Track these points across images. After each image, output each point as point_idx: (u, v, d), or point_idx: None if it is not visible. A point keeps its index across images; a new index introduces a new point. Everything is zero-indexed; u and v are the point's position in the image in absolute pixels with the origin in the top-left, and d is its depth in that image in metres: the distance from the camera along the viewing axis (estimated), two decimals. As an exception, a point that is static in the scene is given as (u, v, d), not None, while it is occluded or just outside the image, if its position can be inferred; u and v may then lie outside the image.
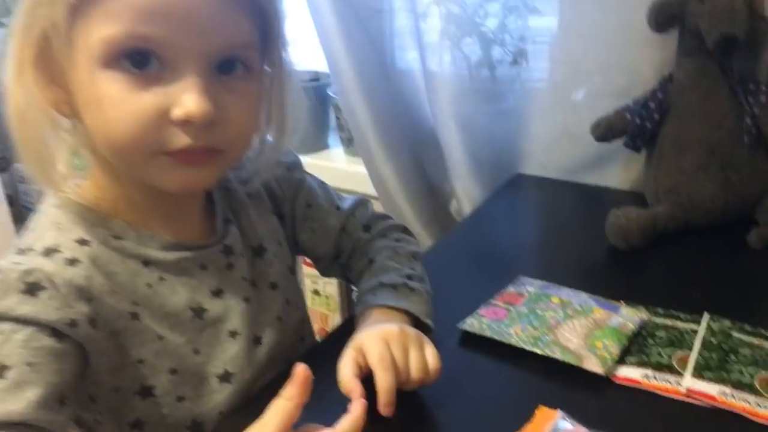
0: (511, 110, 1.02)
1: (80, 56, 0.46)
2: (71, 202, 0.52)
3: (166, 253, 0.54)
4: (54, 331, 0.45)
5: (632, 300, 0.65)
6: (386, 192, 1.11)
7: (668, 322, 0.62)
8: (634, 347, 0.58)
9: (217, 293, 0.56)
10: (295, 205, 0.66)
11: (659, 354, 0.57)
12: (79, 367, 0.47)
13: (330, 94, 1.22)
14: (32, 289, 0.46)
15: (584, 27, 0.90)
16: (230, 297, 0.57)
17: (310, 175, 0.69)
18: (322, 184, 0.69)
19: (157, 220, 0.54)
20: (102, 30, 0.45)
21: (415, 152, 1.11)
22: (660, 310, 0.63)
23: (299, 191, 0.66)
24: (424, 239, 1.11)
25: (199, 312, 0.55)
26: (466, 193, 1.05)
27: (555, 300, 0.64)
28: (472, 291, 0.68)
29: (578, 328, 0.59)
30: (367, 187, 1.15)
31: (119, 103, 0.46)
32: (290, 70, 0.56)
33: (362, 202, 0.70)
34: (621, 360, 0.56)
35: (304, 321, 0.67)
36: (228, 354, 0.56)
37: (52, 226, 0.51)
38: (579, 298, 0.64)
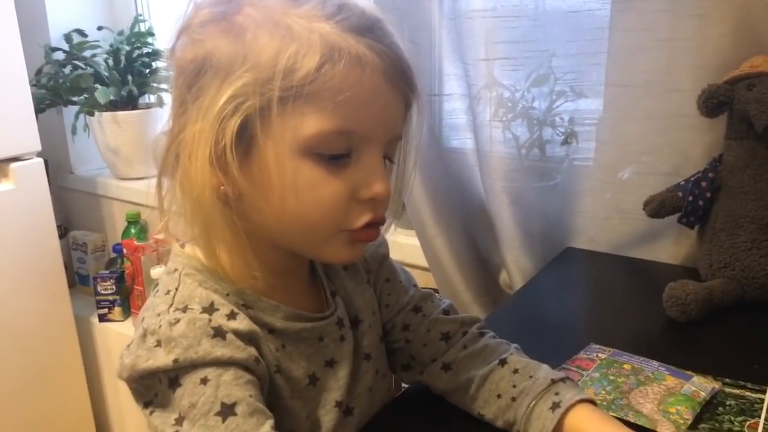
0: (560, 187, 1.07)
1: (273, 145, 0.50)
2: (203, 268, 0.54)
3: (289, 323, 0.57)
4: (246, 368, 0.50)
5: (695, 369, 0.66)
6: (438, 263, 1.15)
7: (737, 391, 0.64)
8: (706, 415, 0.60)
9: (330, 364, 0.60)
10: (378, 278, 0.69)
11: (731, 421, 0.59)
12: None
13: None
14: (217, 334, 0.49)
15: (633, 111, 0.95)
16: (340, 368, 0.60)
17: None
18: (403, 267, 0.71)
19: (277, 292, 0.57)
20: (312, 125, 0.49)
21: (467, 226, 1.16)
22: (728, 380, 0.65)
23: (382, 266, 0.69)
24: (474, 309, 1.14)
25: (313, 380, 0.58)
26: (517, 266, 1.08)
27: (627, 366, 0.66)
28: (534, 359, 0.68)
29: (651, 393, 0.62)
30: (417, 258, 1.19)
31: (317, 187, 0.51)
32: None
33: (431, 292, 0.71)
34: (694, 426, 0.58)
35: (390, 389, 0.69)
36: (331, 422, 0.59)
37: (198, 288, 0.54)
38: (650, 365, 0.66)
